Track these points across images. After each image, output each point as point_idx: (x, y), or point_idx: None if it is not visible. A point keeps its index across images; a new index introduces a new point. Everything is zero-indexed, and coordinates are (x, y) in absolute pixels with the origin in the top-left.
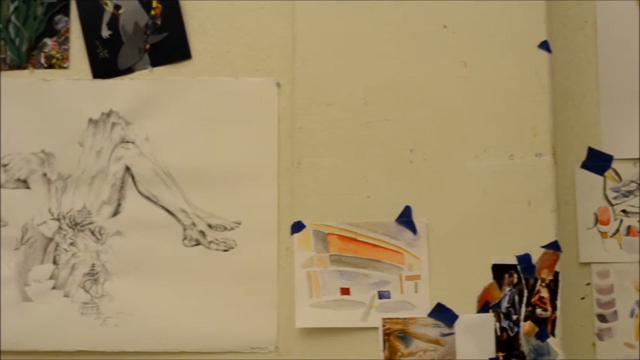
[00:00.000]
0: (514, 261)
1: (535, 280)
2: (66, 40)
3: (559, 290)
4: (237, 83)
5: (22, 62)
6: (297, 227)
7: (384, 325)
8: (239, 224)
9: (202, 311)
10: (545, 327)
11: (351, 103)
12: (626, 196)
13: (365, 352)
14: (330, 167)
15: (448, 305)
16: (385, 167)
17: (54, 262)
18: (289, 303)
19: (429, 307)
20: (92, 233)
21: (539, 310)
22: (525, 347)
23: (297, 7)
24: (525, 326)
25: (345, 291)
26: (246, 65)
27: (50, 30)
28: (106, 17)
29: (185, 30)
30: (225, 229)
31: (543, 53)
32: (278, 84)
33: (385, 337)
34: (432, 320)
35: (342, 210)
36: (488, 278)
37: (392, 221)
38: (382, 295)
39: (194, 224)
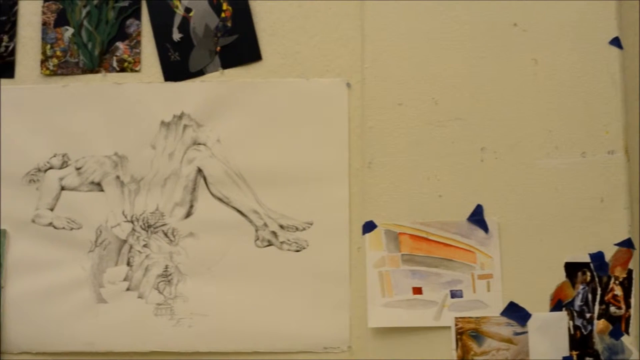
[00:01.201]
0: (587, 259)
1: (609, 278)
2: (138, 43)
3: (633, 288)
4: (307, 84)
5: (95, 66)
6: (369, 227)
7: (456, 325)
8: (311, 224)
9: (275, 311)
10: (619, 325)
11: (421, 102)
12: None
13: (438, 351)
14: (401, 167)
15: (521, 304)
16: (456, 166)
17: (128, 263)
18: (361, 303)
19: (501, 306)
20: (165, 235)
21: (612, 308)
22: (599, 345)
23: (365, 7)
24: (599, 324)
25: (417, 290)
26: (316, 66)
27: (122, 34)
28: (177, 20)
29: (255, 32)
30: (297, 229)
31: (614, 49)
32: (348, 84)
33: (458, 336)
34: (504, 319)
35: (414, 210)
36: (561, 276)
37: (464, 220)
38: (454, 294)
39: (266, 225)
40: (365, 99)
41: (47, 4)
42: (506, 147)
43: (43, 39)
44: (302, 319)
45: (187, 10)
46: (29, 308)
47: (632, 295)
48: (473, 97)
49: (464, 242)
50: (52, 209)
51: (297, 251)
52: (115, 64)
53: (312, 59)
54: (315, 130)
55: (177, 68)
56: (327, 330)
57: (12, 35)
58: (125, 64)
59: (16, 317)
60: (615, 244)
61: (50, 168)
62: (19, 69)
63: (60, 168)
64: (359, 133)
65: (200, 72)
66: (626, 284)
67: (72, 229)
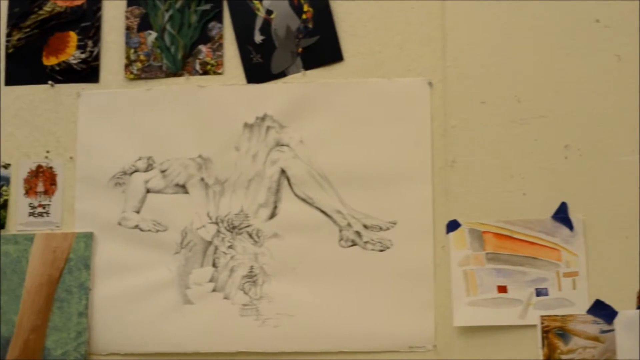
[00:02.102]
0: None
1: None
2: (220, 46)
3: None
4: (389, 84)
5: (178, 69)
6: (453, 225)
7: (542, 323)
8: (395, 223)
9: (360, 311)
10: None
11: (504, 100)
12: None
13: (524, 350)
14: (484, 165)
15: (607, 302)
16: (539, 164)
17: (214, 265)
18: (446, 302)
19: (587, 304)
20: (250, 236)
21: None
22: None
23: (447, 7)
24: None
25: (502, 289)
26: (398, 65)
27: (204, 37)
28: (258, 23)
29: (336, 33)
30: (381, 229)
31: None
32: (430, 84)
33: (544, 335)
34: (591, 317)
35: (497, 208)
36: None
37: (548, 218)
38: (539, 292)
39: (349, 225)
40: (447, 97)
41: (130, 8)
42: (590, 144)
43: (127, 43)
44: (387, 319)
45: (269, 12)
46: (117, 310)
47: None
48: (556, 94)
49: (548, 240)
50: (138, 212)
51: (381, 251)
52: (198, 67)
53: (394, 59)
54: (397, 130)
55: (259, 70)
56: (412, 330)
57: (97, 41)
58: (208, 67)
59: (104, 319)
60: None
61: (136, 171)
62: (104, 73)
63: (146, 171)
64: (442, 132)
65: (282, 74)
66: None
67: (157, 231)
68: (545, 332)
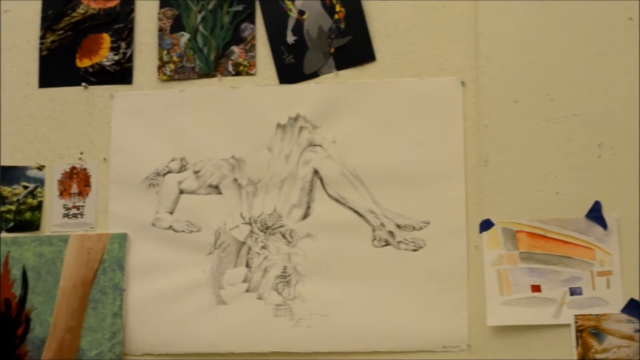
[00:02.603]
0: None
1: None
2: (252, 47)
3: None
4: (421, 83)
5: (211, 70)
6: (486, 225)
7: (576, 322)
8: (428, 223)
9: (393, 311)
10: None
11: (536, 99)
12: None
13: (558, 349)
14: (517, 165)
15: None
16: (573, 163)
17: (247, 265)
18: (479, 301)
19: (621, 303)
20: (283, 236)
21: None
22: None
23: (479, 5)
24: None
25: (536, 288)
26: (430, 65)
27: (236, 38)
28: (291, 23)
29: (369, 33)
30: (414, 228)
31: None
32: (463, 83)
33: (578, 334)
34: (625, 316)
35: (531, 207)
36: None
37: (582, 217)
38: (573, 291)
39: (382, 225)
40: (480, 97)
41: (162, 10)
42: (624, 142)
43: (159, 45)
44: (421, 318)
45: (301, 12)
46: (151, 310)
47: None
48: (589, 92)
49: (582, 239)
50: (171, 213)
51: (415, 250)
52: (230, 68)
53: (426, 59)
54: (430, 130)
55: (291, 70)
56: (445, 329)
57: (130, 42)
58: (241, 68)
59: (138, 319)
60: None
61: (169, 172)
62: (137, 75)
63: (179, 172)
64: (475, 131)
65: (315, 74)
66: None
67: (191, 231)
68: (580, 331)
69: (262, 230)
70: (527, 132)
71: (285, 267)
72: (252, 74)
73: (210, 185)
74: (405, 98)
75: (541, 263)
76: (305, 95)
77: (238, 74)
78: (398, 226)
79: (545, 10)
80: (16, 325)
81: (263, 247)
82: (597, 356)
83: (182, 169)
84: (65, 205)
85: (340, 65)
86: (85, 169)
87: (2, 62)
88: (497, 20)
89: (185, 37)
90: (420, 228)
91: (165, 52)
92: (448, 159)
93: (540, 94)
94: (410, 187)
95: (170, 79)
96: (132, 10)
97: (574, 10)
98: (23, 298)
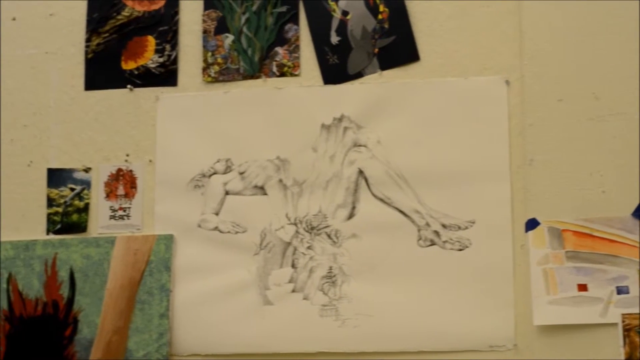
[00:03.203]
0: None
1: None
2: (296, 48)
3: None
4: (466, 83)
5: (255, 71)
6: (532, 224)
7: (623, 321)
8: (473, 223)
9: (439, 311)
10: None
11: (582, 98)
12: None
13: (605, 349)
14: (562, 163)
15: None
16: (618, 161)
17: (293, 265)
18: (525, 301)
19: None
20: (329, 236)
21: None
22: None
23: (523, 4)
24: None
25: (582, 287)
26: (474, 64)
27: (280, 39)
28: (334, 24)
29: (412, 33)
30: (460, 228)
31: None
32: (507, 82)
33: (625, 333)
34: None
35: (577, 206)
36: None
37: (628, 215)
38: (620, 290)
39: (428, 225)
40: (524, 96)
41: (207, 12)
42: None
43: (204, 46)
44: (467, 318)
45: (345, 13)
46: (197, 311)
47: None
48: (634, 90)
49: (629, 238)
50: (217, 214)
51: (460, 250)
52: (275, 69)
53: (470, 58)
54: (475, 129)
55: (335, 71)
56: (492, 329)
57: (174, 44)
58: (285, 69)
59: (185, 320)
60: None
61: (215, 173)
62: (182, 76)
63: (224, 173)
64: (519, 130)
65: (359, 74)
66: None
67: (237, 232)
68: (627, 330)
69: (307, 231)
70: (572, 130)
71: (330, 268)
72: (296, 75)
73: (255, 186)
74: (450, 98)
75: (587, 262)
76: (350, 95)
77: (282, 74)
78: (443, 226)
79: (590, 8)
80: (64, 327)
81: (308, 248)
82: None
83: (227, 170)
84: (111, 207)
85: (385, 66)
86: (131, 171)
87: (48, 66)
88: (541, 19)
89: (229, 38)
90: (466, 227)
91: (209, 53)
92: (493, 158)
93: (585, 92)
94: (456, 187)
95: (215, 80)
96: (176, 13)
97: (619, 7)
98: (71, 299)
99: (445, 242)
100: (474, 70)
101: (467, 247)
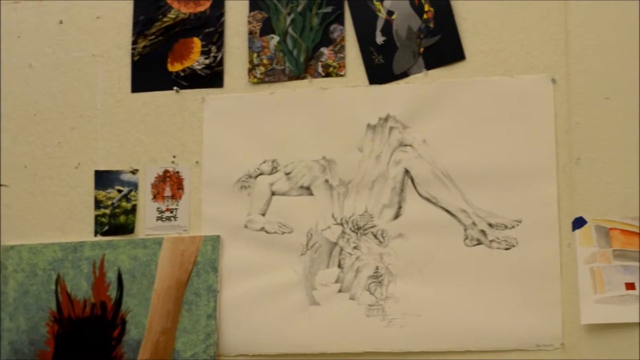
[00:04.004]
0: None
1: None
2: (342, 48)
3: None
4: (511, 81)
5: (301, 72)
6: (579, 223)
7: None
8: (520, 222)
9: (486, 310)
10: None
11: (629, 95)
12: None
13: None
14: (609, 162)
15: None
16: None
17: (339, 265)
18: (573, 300)
19: None
20: (375, 236)
21: None
22: None
23: (569, 2)
24: None
25: (630, 286)
26: (520, 62)
27: (326, 39)
28: (380, 24)
29: (458, 32)
30: (506, 227)
31: None
32: (553, 80)
33: None
34: None
35: (624, 205)
36: None
37: None
38: None
39: (474, 224)
40: (571, 94)
41: (252, 13)
42: None
43: (250, 47)
44: (514, 317)
45: (390, 13)
46: (244, 311)
47: None
48: None
49: None
50: (263, 214)
51: (507, 249)
52: (320, 70)
53: (516, 56)
54: (521, 128)
55: (381, 71)
56: (539, 328)
57: (220, 46)
58: (331, 69)
59: (232, 321)
60: None
61: (261, 174)
62: (227, 78)
63: (270, 174)
64: (566, 129)
65: (405, 74)
66: None
67: (283, 233)
68: None
69: (353, 231)
70: (619, 128)
71: (377, 267)
72: (341, 75)
73: (301, 187)
74: (496, 96)
75: (635, 260)
76: (395, 95)
77: (328, 75)
78: (490, 225)
79: (636, 5)
80: (112, 328)
81: (355, 248)
82: None
83: (273, 170)
84: (158, 208)
85: (430, 65)
86: (178, 172)
87: (95, 68)
88: (587, 16)
89: (275, 39)
90: (513, 227)
91: (255, 54)
92: (539, 157)
93: (632, 90)
94: (502, 186)
95: (261, 81)
96: (222, 14)
97: None
98: (118, 300)
99: (491, 241)
100: (520, 69)
101: (513, 246)
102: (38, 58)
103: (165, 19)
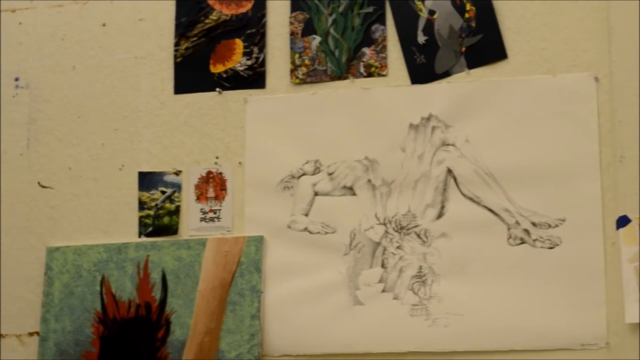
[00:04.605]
0: None
1: None
2: (384, 48)
3: None
4: (554, 80)
5: (343, 72)
6: (623, 221)
7: None
8: (563, 220)
9: (530, 309)
10: None
11: None
12: None
13: None
14: None
15: None
16: None
17: (383, 265)
18: (617, 299)
19: None
20: (418, 236)
21: None
22: None
23: (611, 0)
24: None
25: None
26: (562, 61)
27: (367, 39)
28: (421, 23)
29: (500, 31)
30: (550, 226)
31: None
32: (596, 79)
33: None
34: None
35: None
36: None
37: None
38: None
39: (517, 223)
40: (614, 92)
41: (294, 14)
42: None
43: (291, 48)
44: (558, 316)
45: (431, 12)
46: (288, 312)
47: None
48: None
49: None
50: (306, 215)
51: (550, 248)
52: (362, 70)
53: (558, 55)
54: (563, 126)
55: (423, 70)
56: (583, 327)
57: (262, 47)
58: (372, 69)
59: (276, 321)
60: None
61: (304, 174)
62: (270, 79)
63: (313, 174)
64: (609, 127)
65: (447, 74)
66: None
67: (326, 233)
68: None
69: (396, 231)
70: None
71: (420, 267)
72: (383, 75)
73: (344, 187)
74: (538, 95)
75: None
76: (437, 95)
77: (370, 75)
78: (533, 224)
79: None
80: (157, 328)
81: (398, 247)
82: None
83: (316, 171)
84: (202, 209)
85: (472, 64)
86: (221, 173)
87: (138, 70)
88: (629, 14)
89: (316, 40)
90: (556, 225)
91: (297, 55)
92: (582, 155)
93: None
94: (545, 185)
95: (303, 82)
96: (263, 15)
97: None
98: (163, 301)
99: (535, 240)
100: (562, 67)
101: (557, 245)
102: (82, 60)
103: (207, 21)
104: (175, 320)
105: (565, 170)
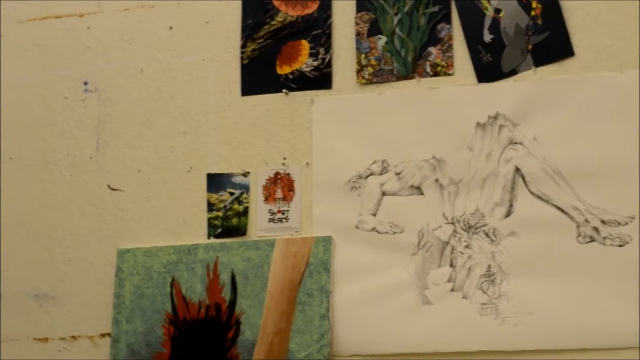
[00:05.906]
0: None
1: None
2: (449, 47)
3: None
4: (622, 77)
5: (409, 72)
6: None
7: None
8: (633, 218)
9: (600, 308)
10: None
11: None
12: None
13: None
14: None
15: None
16: None
17: (451, 265)
18: None
19: None
20: (487, 235)
21: None
22: None
23: None
24: None
25: None
26: (630, 57)
27: (433, 39)
28: (487, 22)
29: (566, 28)
30: (619, 224)
31: None
32: None
33: None
34: None
35: None
36: None
37: None
38: None
39: (587, 221)
40: None
41: (359, 14)
42: None
43: (357, 49)
44: (630, 315)
45: (497, 11)
46: (357, 312)
47: None
48: None
49: None
50: (374, 214)
51: (620, 246)
52: (428, 69)
53: (626, 52)
54: (631, 123)
55: (489, 69)
56: None
57: (328, 48)
58: (439, 68)
59: (345, 321)
60: None
61: (371, 174)
62: (336, 79)
63: (381, 174)
64: None
65: (513, 72)
66: None
67: (394, 233)
68: None
69: (465, 230)
70: None
71: (489, 266)
72: (450, 74)
73: (412, 186)
74: (606, 92)
75: None
76: (504, 93)
77: (436, 74)
78: (603, 222)
79: None
80: (227, 329)
81: (466, 247)
82: None
83: (383, 171)
84: (270, 210)
85: (539, 62)
86: (288, 174)
87: (205, 72)
88: None
89: (382, 40)
90: (626, 223)
91: (363, 55)
92: None
93: None
94: (614, 182)
95: (369, 82)
96: (329, 16)
97: None
98: (232, 302)
99: (605, 238)
100: (630, 64)
101: (627, 242)
102: (149, 63)
103: (273, 22)
104: (245, 321)
105: (633, 167)
